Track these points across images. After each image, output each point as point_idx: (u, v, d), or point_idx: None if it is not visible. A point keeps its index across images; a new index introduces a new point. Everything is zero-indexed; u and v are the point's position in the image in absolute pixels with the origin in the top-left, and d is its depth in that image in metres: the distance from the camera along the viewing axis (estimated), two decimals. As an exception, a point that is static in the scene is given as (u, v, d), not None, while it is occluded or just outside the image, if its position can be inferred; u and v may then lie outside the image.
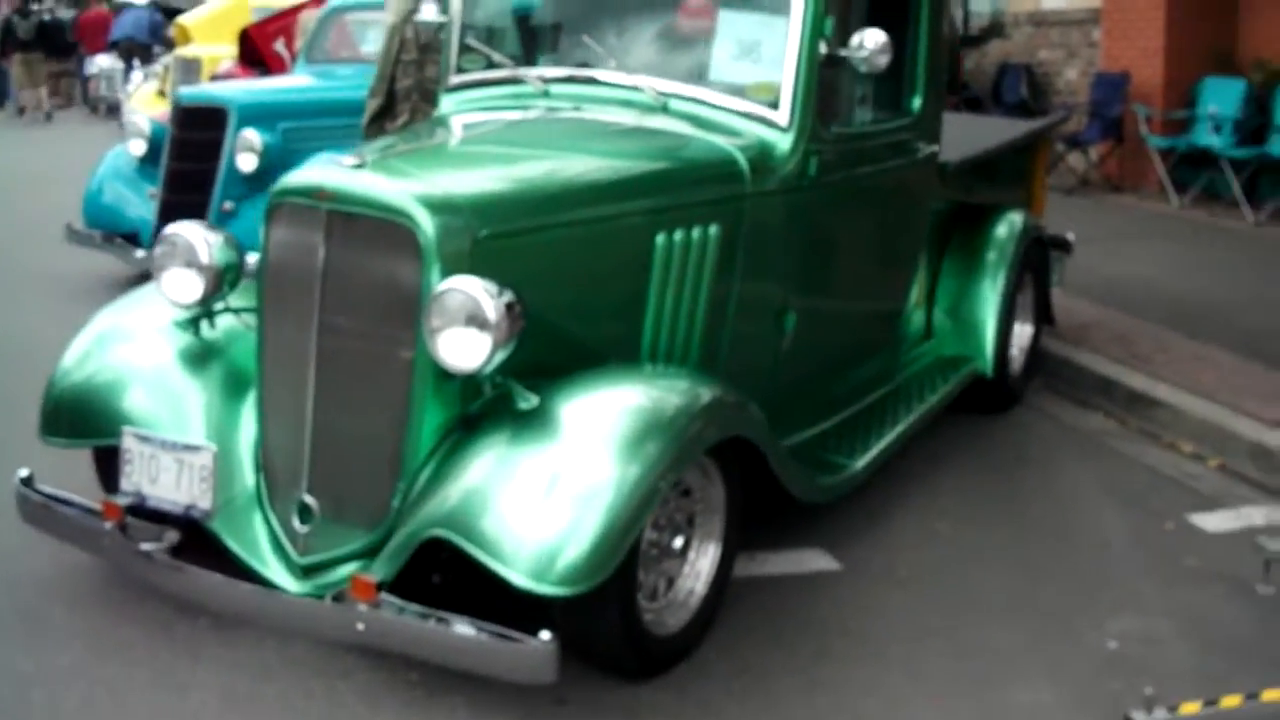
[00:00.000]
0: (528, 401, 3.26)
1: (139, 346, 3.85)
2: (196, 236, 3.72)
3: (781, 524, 4.33)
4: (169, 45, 19.29)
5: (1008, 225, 5.80)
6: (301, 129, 7.56)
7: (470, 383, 3.34)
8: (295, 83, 8.39)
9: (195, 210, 7.49)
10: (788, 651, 3.70)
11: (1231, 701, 3.28)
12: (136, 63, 19.51)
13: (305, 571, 3.42)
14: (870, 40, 4.11)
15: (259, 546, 3.51)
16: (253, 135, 7.30)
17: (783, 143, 4.17)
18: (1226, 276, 8.26)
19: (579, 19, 4.62)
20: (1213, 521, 4.81)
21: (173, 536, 3.49)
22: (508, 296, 3.21)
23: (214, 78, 11.23)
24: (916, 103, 4.88)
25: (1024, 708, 3.49)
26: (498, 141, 4.07)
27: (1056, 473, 5.30)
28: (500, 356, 3.20)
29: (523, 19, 4.80)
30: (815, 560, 4.29)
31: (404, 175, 3.46)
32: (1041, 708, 3.50)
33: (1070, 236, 6.70)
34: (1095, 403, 6.13)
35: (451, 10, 4.71)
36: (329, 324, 3.40)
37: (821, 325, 4.54)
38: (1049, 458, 5.46)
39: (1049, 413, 6.03)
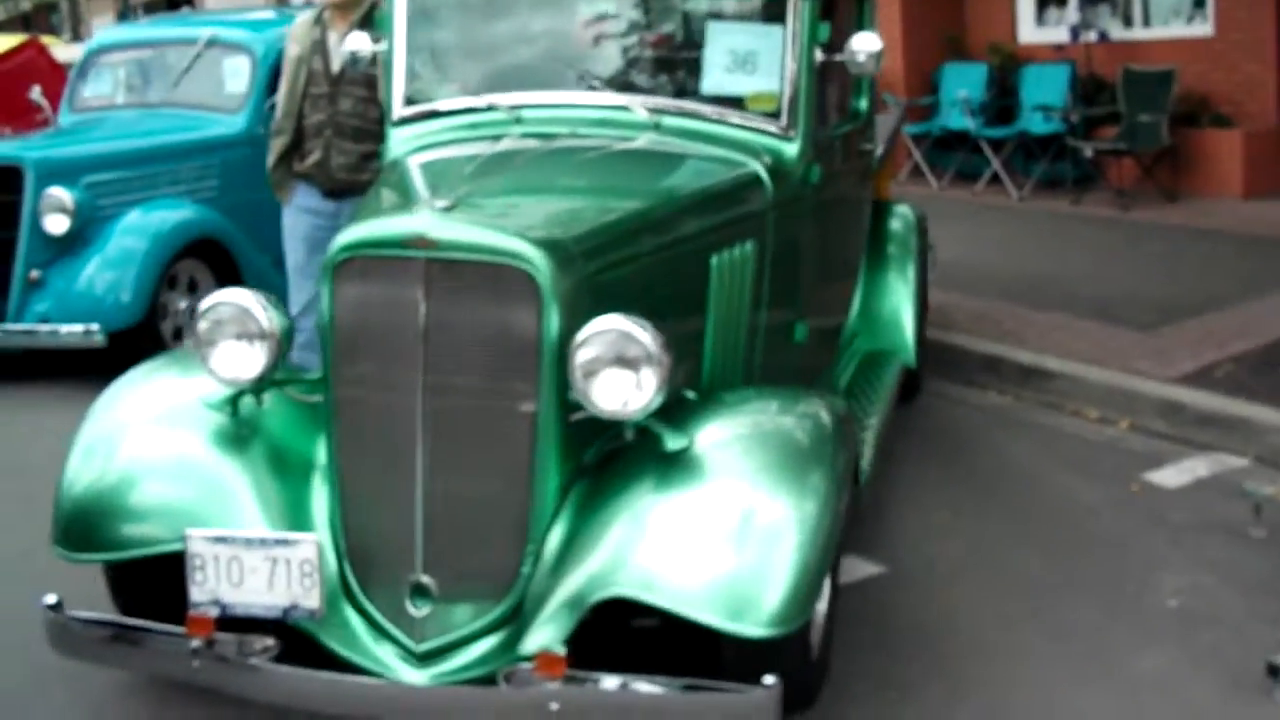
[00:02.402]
0: (678, 441, 3.08)
1: (166, 435, 3.38)
2: (248, 301, 3.29)
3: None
4: None
5: (901, 219, 5.92)
6: (109, 183, 6.86)
7: (593, 429, 3.14)
8: (82, 133, 7.58)
9: (-7, 282, 6.73)
10: (908, 661, 3.67)
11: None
12: None
13: (422, 659, 3.11)
14: (863, 45, 4.12)
15: (359, 640, 3.15)
16: (61, 193, 6.55)
17: (789, 151, 4.12)
18: (1029, 250, 8.78)
19: (541, 39, 4.41)
20: (1165, 477, 5.09)
21: (269, 643, 3.09)
22: (652, 328, 3.03)
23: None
24: (863, 104, 4.94)
25: (1160, 673, 3.60)
26: (543, 176, 3.80)
27: (997, 451, 5.46)
28: (662, 395, 3.01)
29: (474, 41, 4.52)
30: (859, 566, 4.26)
31: (501, 216, 3.21)
32: (1173, 670, 3.61)
33: (920, 225, 6.93)
34: (983, 381, 6.37)
35: (394, 37, 4.38)
36: (436, 384, 3.10)
37: (816, 333, 4.53)
38: (979, 438, 5.63)
39: (948, 396, 6.21)
